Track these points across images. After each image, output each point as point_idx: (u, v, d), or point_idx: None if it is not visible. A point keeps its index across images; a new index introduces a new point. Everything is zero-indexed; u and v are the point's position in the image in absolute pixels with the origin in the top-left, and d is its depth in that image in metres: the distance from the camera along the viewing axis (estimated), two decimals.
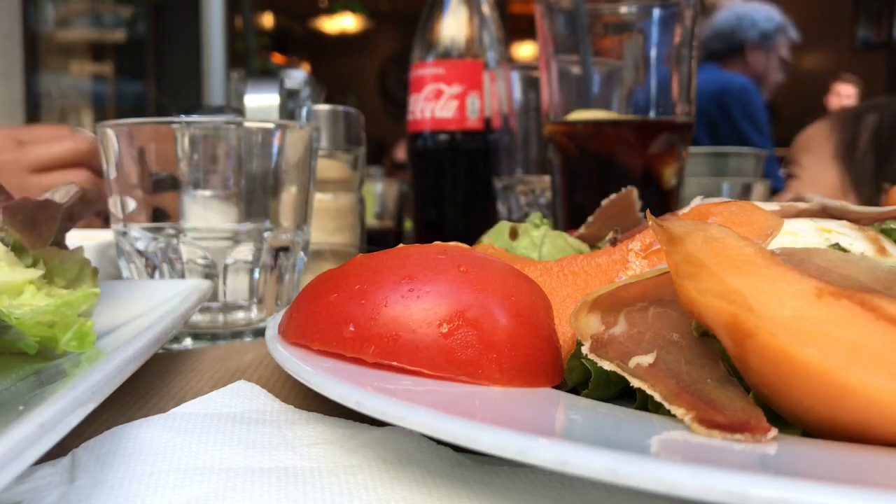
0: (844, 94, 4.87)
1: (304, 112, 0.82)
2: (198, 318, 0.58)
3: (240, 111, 0.82)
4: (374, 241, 1.07)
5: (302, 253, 0.63)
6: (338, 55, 6.78)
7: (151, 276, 0.58)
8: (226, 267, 0.58)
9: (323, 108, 0.82)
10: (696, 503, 0.21)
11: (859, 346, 0.25)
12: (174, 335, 0.43)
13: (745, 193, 1.09)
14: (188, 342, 0.57)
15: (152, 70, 4.94)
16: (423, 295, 0.35)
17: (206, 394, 0.37)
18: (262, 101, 0.82)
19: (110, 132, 0.57)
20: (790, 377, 0.26)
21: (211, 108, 0.89)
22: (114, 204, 0.59)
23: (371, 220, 1.22)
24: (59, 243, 0.45)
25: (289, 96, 0.84)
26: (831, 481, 0.20)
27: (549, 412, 0.31)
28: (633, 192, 0.57)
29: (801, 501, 0.19)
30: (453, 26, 1.02)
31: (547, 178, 0.95)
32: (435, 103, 1.01)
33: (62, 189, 0.46)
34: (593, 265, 0.42)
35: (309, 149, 0.61)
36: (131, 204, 0.57)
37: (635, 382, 0.29)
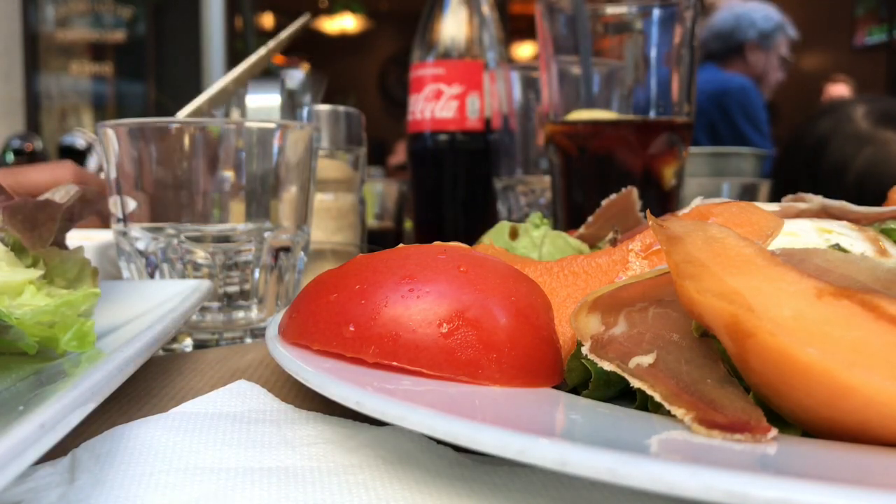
0: (837, 95, 4.87)
1: (304, 112, 0.82)
2: (198, 318, 0.58)
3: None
4: (374, 241, 1.07)
5: (302, 253, 0.63)
6: (338, 55, 6.77)
7: (151, 276, 0.58)
8: (226, 267, 0.58)
9: (323, 108, 0.82)
10: (696, 503, 0.21)
11: (859, 346, 0.25)
12: (174, 335, 0.43)
13: (745, 193, 1.09)
14: (188, 342, 0.57)
15: (152, 70, 4.94)
16: (423, 295, 0.35)
17: (206, 394, 0.37)
18: (262, 102, 0.82)
19: (110, 132, 0.57)
20: (790, 377, 0.26)
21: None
22: (114, 204, 0.59)
23: (371, 221, 1.22)
24: (59, 243, 0.45)
25: (289, 97, 0.84)
26: (831, 481, 0.20)
27: (549, 412, 0.31)
28: (633, 192, 0.57)
29: (801, 501, 0.19)
30: (453, 26, 1.02)
31: (547, 178, 0.95)
32: (435, 103, 1.01)
33: (62, 189, 0.46)
34: (593, 265, 0.42)
35: (309, 149, 0.61)
36: (131, 204, 0.57)
37: (635, 383, 0.29)
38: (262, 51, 0.86)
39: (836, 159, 1.60)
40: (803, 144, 1.70)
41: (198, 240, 0.57)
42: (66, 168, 0.92)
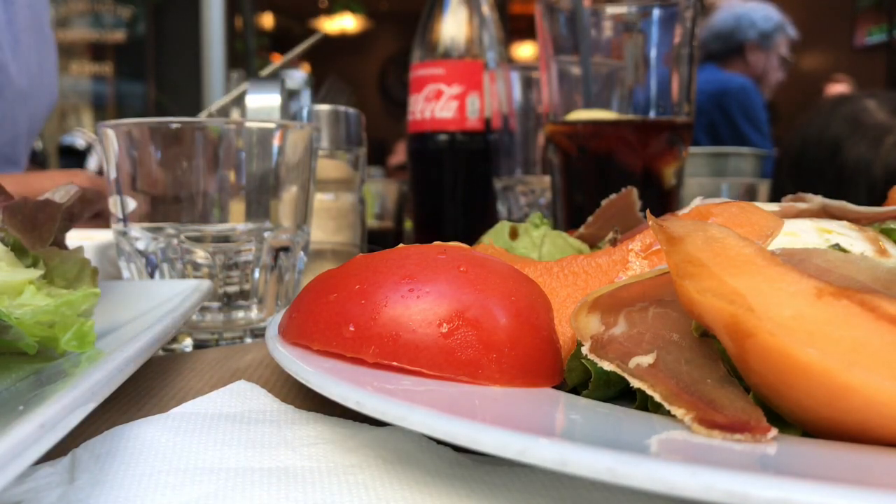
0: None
1: (304, 112, 0.82)
2: (198, 318, 0.58)
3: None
4: (374, 241, 1.07)
5: (302, 253, 0.63)
6: (338, 55, 6.78)
7: (151, 276, 0.58)
8: (226, 267, 0.58)
9: (323, 108, 0.82)
10: (696, 503, 0.21)
11: (859, 346, 0.25)
12: (174, 335, 0.43)
13: (745, 194, 1.09)
14: (188, 342, 0.57)
15: (152, 70, 4.94)
16: (423, 295, 0.35)
17: (206, 394, 0.37)
18: (262, 102, 0.82)
19: (110, 132, 0.57)
20: (790, 377, 0.26)
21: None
22: (114, 204, 0.59)
23: (371, 221, 1.22)
24: (59, 243, 0.45)
25: (290, 97, 0.84)
26: (831, 481, 0.20)
27: (549, 412, 0.31)
28: (633, 192, 0.57)
29: (801, 501, 0.19)
30: (453, 27, 1.02)
31: (547, 178, 0.95)
32: (435, 104, 1.01)
33: (62, 189, 0.46)
34: (593, 265, 0.42)
35: (309, 149, 0.61)
36: (131, 204, 0.57)
37: (635, 383, 0.29)
38: (273, 66, 0.87)
39: (859, 152, 1.60)
40: (818, 143, 1.70)
41: (198, 240, 0.57)
42: (81, 177, 0.91)
